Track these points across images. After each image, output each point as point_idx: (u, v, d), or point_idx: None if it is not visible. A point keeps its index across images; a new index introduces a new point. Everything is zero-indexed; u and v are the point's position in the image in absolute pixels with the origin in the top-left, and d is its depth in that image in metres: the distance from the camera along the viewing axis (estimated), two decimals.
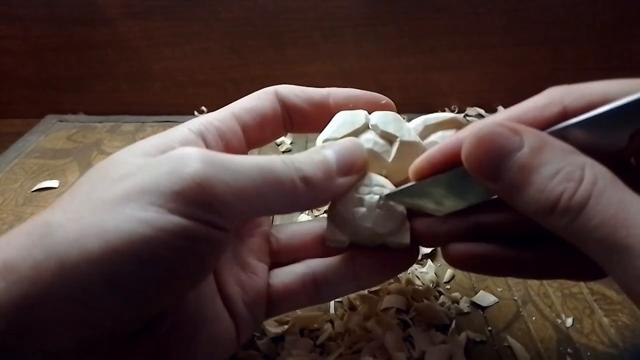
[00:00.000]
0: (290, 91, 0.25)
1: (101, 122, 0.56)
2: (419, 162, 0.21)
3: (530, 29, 0.53)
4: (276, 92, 0.24)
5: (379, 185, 0.22)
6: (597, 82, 0.19)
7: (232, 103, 0.23)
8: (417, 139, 0.24)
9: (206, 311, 0.20)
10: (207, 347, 0.20)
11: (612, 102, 0.17)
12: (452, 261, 0.22)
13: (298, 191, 0.19)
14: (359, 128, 0.23)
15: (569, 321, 0.29)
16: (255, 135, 0.24)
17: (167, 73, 0.57)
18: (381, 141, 0.23)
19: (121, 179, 0.17)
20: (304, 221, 0.26)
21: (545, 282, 0.32)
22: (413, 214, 0.23)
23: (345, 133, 0.23)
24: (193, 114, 0.57)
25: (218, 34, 0.54)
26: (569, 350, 0.27)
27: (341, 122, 0.23)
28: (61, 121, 0.56)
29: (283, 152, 0.48)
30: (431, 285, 0.31)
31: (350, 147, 0.22)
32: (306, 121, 0.25)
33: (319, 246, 0.25)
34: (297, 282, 0.23)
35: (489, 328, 0.28)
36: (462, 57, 0.55)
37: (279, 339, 0.28)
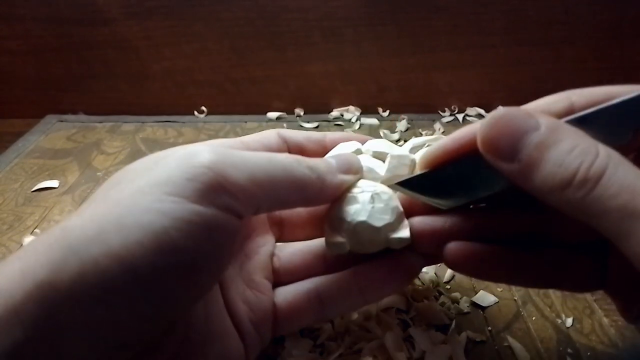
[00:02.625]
0: (290, 131, 0.26)
1: (101, 122, 0.56)
2: (431, 150, 0.21)
3: (530, 29, 0.53)
4: (278, 132, 0.26)
5: (370, 186, 0.23)
6: (602, 86, 0.20)
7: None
8: (407, 152, 0.25)
9: (215, 328, 0.20)
10: None
11: (616, 99, 0.18)
12: (451, 261, 0.22)
13: (306, 179, 0.20)
14: (354, 151, 0.26)
15: (569, 321, 0.29)
16: None
17: (167, 73, 0.57)
18: (373, 159, 0.25)
19: (133, 180, 0.17)
20: (305, 241, 0.26)
21: None
22: (412, 214, 0.23)
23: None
24: (193, 114, 0.57)
25: (218, 34, 0.54)
26: (569, 350, 0.27)
27: (337, 148, 0.26)
28: (61, 121, 0.56)
29: None
30: (431, 285, 0.31)
31: (346, 154, 0.24)
32: (304, 155, 0.26)
33: (320, 264, 0.25)
34: (301, 300, 0.23)
35: (489, 328, 0.28)
36: (462, 57, 0.55)
37: (279, 339, 0.28)
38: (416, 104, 0.57)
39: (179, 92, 0.58)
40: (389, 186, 0.23)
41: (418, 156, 0.24)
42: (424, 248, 0.23)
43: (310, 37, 0.54)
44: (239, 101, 0.58)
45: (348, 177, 0.22)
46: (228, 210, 0.17)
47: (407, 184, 0.22)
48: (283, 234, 0.27)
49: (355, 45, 0.55)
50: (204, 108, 0.58)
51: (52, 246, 0.15)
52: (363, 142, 0.27)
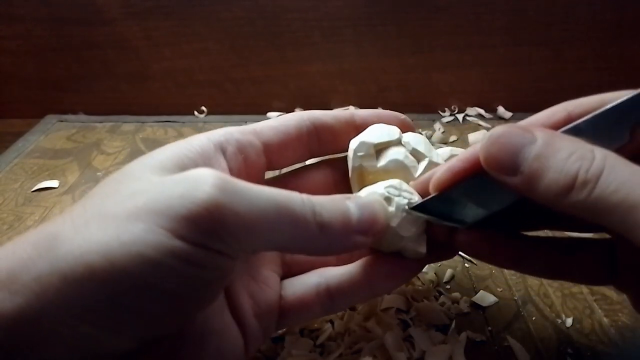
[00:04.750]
0: (317, 112, 0.25)
1: (101, 122, 0.56)
2: (440, 173, 0.21)
3: (530, 29, 0.53)
4: (302, 113, 0.25)
5: (408, 192, 0.22)
6: (596, 95, 0.21)
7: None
8: (443, 162, 0.25)
9: (213, 324, 0.20)
10: (215, 359, 0.20)
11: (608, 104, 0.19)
12: (460, 243, 0.23)
13: (311, 234, 0.18)
14: (392, 140, 0.24)
15: (569, 321, 0.29)
16: (277, 153, 0.24)
17: (167, 73, 0.57)
18: (411, 157, 0.24)
19: (133, 195, 0.16)
20: None
21: (545, 282, 0.32)
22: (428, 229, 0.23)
23: (380, 141, 0.24)
24: (193, 114, 0.57)
25: (218, 34, 0.54)
26: (569, 350, 0.27)
27: (377, 131, 0.24)
28: (61, 121, 0.56)
29: None
30: (431, 285, 0.31)
31: (375, 206, 0.21)
32: (334, 138, 0.25)
33: (331, 257, 0.25)
34: (310, 293, 0.23)
35: (489, 328, 0.28)
36: (462, 57, 0.55)
37: (279, 339, 0.28)
38: (416, 104, 0.57)
39: (179, 92, 0.58)
40: (404, 210, 0.22)
41: None
42: (436, 235, 0.23)
43: (310, 37, 0.54)
44: (239, 101, 0.58)
45: (365, 240, 0.20)
46: (220, 254, 0.16)
47: (420, 208, 0.22)
48: None
49: (355, 45, 0.55)
50: (204, 108, 0.58)
51: (40, 255, 0.15)
52: (391, 121, 0.26)
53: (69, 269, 0.15)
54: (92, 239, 0.15)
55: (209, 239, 0.16)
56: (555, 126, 0.20)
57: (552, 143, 0.18)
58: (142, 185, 0.17)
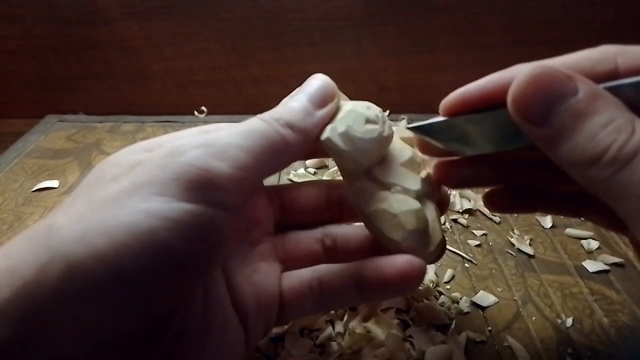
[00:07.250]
0: None
1: (101, 122, 0.56)
2: (452, 96, 0.20)
3: (530, 29, 0.53)
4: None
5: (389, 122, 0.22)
6: None
7: None
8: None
9: (215, 318, 0.20)
10: (215, 354, 0.20)
11: None
12: (438, 176, 0.23)
13: (287, 139, 0.19)
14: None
15: (569, 321, 0.29)
16: None
17: (167, 73, 0.57)
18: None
19: (117, 178, 0.17)
20: (310, 230, 0.26)
21: (545, 282, 0.32)
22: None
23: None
24: (193, 114, 0.57)
25: (218, 34, 0.54)
26: (569, 350, 0.27)
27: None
28: (61, 121, 0.56)
29: None
30: (431, 285, 0.31)
31: (317, 84, 0.23)
32: None
33: (323, 254, 0.25)
34: (304, 286, 0.23)
35: (489, 328, 0.28)
36: (462, 57, 0.55)
37: (279, 339, 0.28)
38: (416, 104, 0.57)
39: (179, 92, 0.58)
40: (408, 128, 0.21)
41: None
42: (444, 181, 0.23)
43: (310, 37, 0.54)
44: (239, 101, 0.58)
45: (328, 110, 0.21)
46: (217, 205, 0.17)
47: (426, 129, 0.21)
48: (285, 216, 0.26)
49: (355, 45, 0.55)
50: (204, 108, 0.58)
51: (38, 246, 0.15)
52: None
53: (70, 253, 0.15)
54: (88, 221, 0.15)
55: (204, 190, 0.16)
56: (598, 78, 0.17)
57: (594, 102, 0.16)
58: (122, 168, 0.18)
